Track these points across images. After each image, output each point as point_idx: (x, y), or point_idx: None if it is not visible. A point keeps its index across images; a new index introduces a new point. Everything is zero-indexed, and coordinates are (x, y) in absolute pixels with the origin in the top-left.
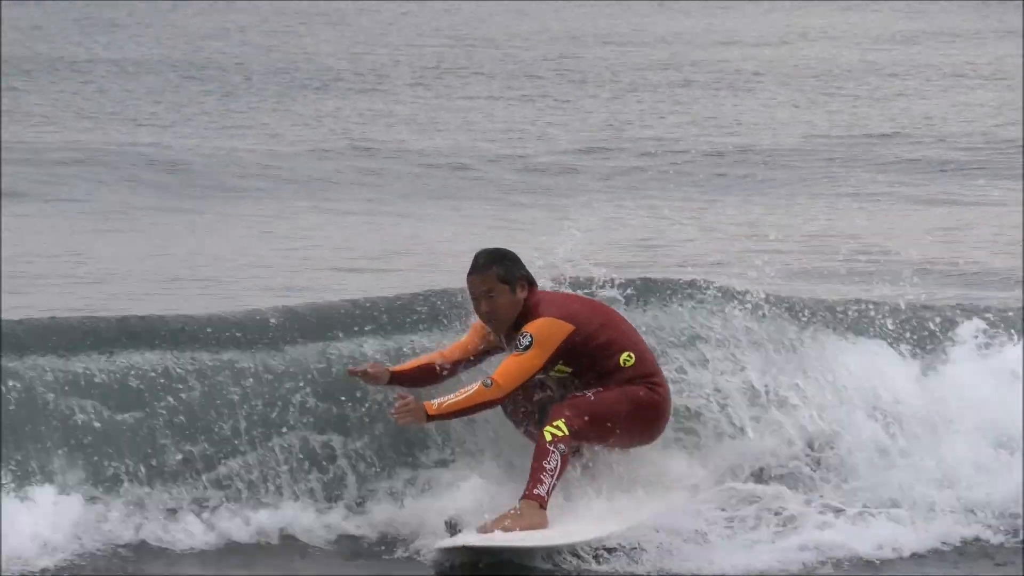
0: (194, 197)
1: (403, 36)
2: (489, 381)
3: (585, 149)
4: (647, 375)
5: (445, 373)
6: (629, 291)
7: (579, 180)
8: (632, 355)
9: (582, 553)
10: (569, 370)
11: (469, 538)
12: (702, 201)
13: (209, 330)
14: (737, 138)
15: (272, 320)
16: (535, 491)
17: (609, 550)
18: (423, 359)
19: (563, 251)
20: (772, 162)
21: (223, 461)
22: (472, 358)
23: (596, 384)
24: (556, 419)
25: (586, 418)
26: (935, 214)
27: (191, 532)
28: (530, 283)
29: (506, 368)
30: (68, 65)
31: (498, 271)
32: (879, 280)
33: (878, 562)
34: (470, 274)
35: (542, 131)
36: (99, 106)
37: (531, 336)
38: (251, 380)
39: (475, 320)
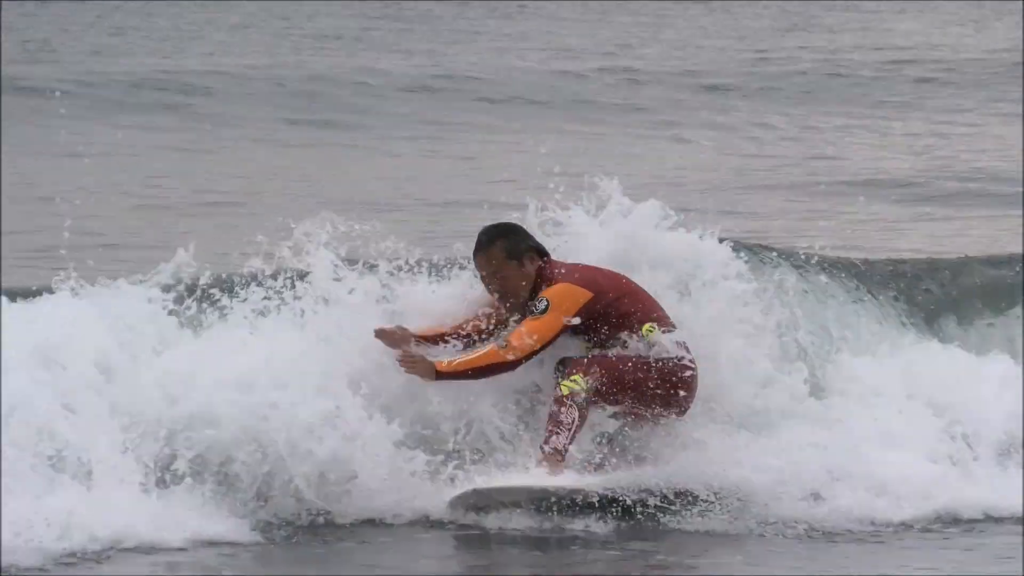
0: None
1: None
2: (504, 342)
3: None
4: None
5: (463, 344)
6: None
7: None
8: (655, 326)
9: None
10: (588, 344)
11: (479, 482)
12: (874, 116)
13: None
14: (907, 53)
15: None
16: (551, 443)
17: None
18: (441, 328)
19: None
20: (954, 71)
21: None
22: (486, 335)
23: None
24: (574, 374)
25: (604, 375)
26: None
27: None
28: (540, 253)
29: (521, 331)
30: None
31: (503, 246)
32: None
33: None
34: (475, 254)
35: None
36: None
37: (547, 300)
38: None
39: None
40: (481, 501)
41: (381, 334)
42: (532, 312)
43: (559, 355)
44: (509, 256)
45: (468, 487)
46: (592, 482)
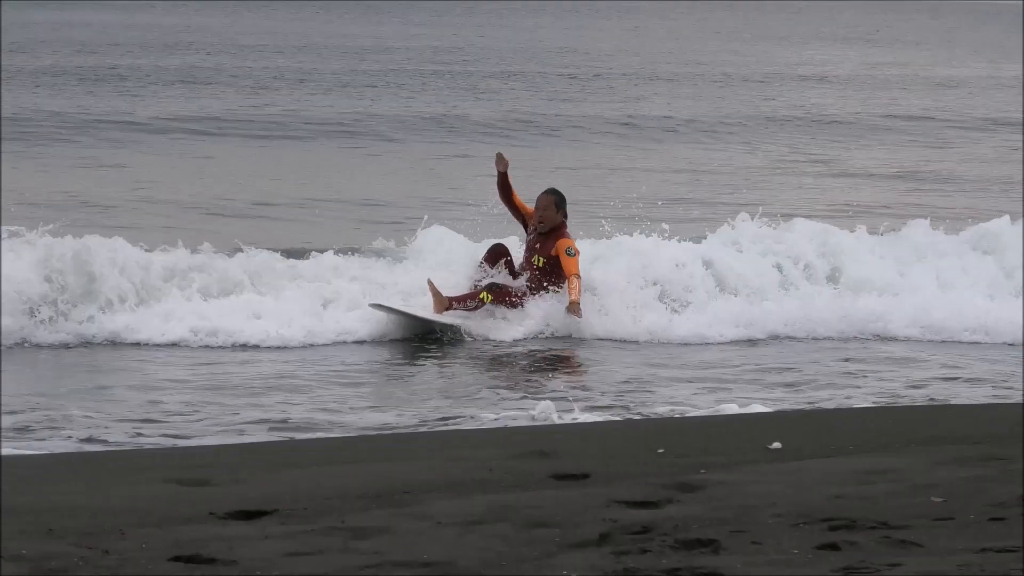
0: None
1: None
2: (577, 275)
3: None
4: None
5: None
6: None
7: None
8: (564, 287)
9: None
10: (544, 268)
11: (385, 303)
12: None
13: None
14: None
15: None
16: (452, 302)
17: None
18: (522, 204)
19: None
20: None
21: None
22: (520, 216)
23: (545, 281)
24: (489, 292)
25: (502, 298)
26: None
27: None
28: (565, 216)
29: (573, 269)
30: None
31: (555, 200)
32: None
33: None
34: (541, 194)
35: None
36: None
37: (574, 250)
38: None
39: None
40: (387, 313)
41: (498, 157)
42: (568, 253)
43: (491, 280)
44: (556, 206)
45: (386, 303)
46: (466, 324)
